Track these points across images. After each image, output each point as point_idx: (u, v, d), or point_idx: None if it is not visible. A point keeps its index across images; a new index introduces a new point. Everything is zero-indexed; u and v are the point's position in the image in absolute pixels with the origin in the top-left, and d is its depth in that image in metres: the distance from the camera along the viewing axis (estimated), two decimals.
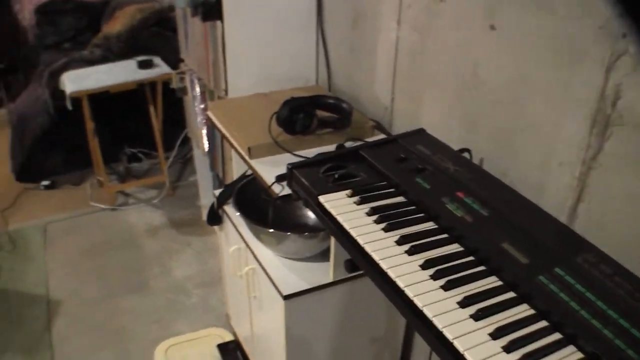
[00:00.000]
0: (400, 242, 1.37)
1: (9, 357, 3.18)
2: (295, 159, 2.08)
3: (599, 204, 1.48)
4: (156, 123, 4.51)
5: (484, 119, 1.82)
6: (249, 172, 2.36)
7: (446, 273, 1.25)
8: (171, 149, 4.80)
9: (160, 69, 4.30)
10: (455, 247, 1.36)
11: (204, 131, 3.41)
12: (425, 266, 1.28)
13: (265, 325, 2.45)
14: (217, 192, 2.60)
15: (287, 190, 1.89)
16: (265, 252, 2.26)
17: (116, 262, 3.95)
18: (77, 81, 4.16)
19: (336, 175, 1.65)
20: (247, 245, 2.33)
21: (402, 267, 1.29)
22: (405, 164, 1.67)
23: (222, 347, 3.03)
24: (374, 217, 1.47)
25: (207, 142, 3.42)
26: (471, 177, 1.56)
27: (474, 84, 1.83)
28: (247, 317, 2.66)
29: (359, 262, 1.39)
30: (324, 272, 2.10)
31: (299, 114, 2.16)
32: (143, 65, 4.31)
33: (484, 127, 1.83)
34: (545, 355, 1.05)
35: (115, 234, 4.26)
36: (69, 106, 4.07)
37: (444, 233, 1.41)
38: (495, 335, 1.09)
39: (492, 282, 1.24)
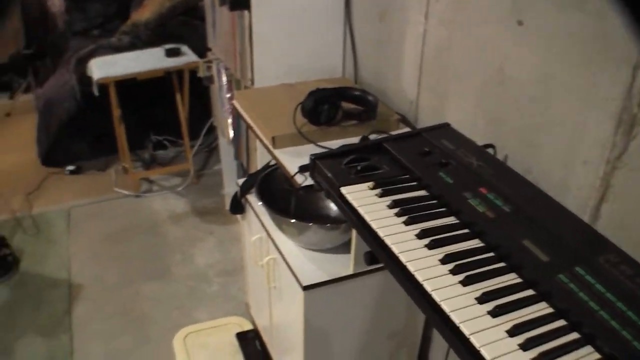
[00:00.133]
0: (420, 235, 1.37)
1: (28, 339, 3.21)
2: (319, 150, 2.08)
3: (623, 204, 1.46)
4: (182, 111, 4.53)
5: (509, 115, 1.81)
6: (273, 161, 2.35)
7: (465, 268, 1.25)
8: (197, 137, 4.82)
9: (188, 57, 4.30)
10: (475, 243, 1.36)
11: (230, 120, 3.42)
12: (444, 261, 1.28)
13: (284, 316, 2.45)
14: (241, 181, 2.60)
15: (309, 181, 1.89)
16: (286, 243, 2.26)
17: (138, 248, 3.97)
18: (104, 67, 4.18)
19: (359, 167, 1.65)
20: (269, 235, 2.34)
21: (422, 261, 1.28)
22: (428, 157, 1.67)
23: (241, 336, 3.03)
24: (395, 210, 1.47)
25: (232, 131, 3.42)
26: (494, 173, 1.55)
27: (500, 80, 1.82)
28: (267, 307, 2.67)
29: (379, 254, 1.39)
30: (345, 265, 2.09)
31: (324, 105, 2.16)
32: (171, 53, 4.32)
33: (509, 124, 1.81)
34: (562, 354, 1.04)
35: (139, 221, 4.28)
36: (96, 92, 4.09)
37: (465, 228, 1.41)
38: (513, 332, 1.08)
39: (511, 279, 1.23)
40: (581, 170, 1.56)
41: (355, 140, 2.18)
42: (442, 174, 1.58)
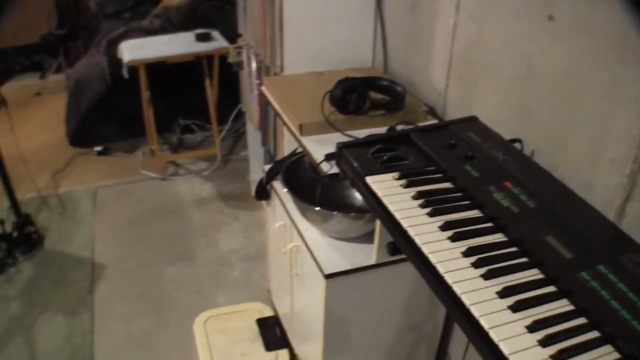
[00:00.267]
0: (444, 227, 1.37)
1: (50, 316, 3.24)
2: (346, 139, 2.07)
3: None
4: (211, 96, 4.54)
5: (537, 110, 1.80)
6: (300, 149, 2.36)
7: (488, 262, 1.24)
8: (225, 122, 4.84)
9: (218, 42, 4.31)
10: (498, 237, 1.35)
11: (258, 106, 3.42)
12: (467, 254, 1.28)
13: (305, 303, 2.46)
14: (267, 167, 2.61)
15: (335, 169, 1.89)
16: (310, 230, 2.26)
17: (163, 230, 4.00)
18: (135, 50, 4.20)
19: (385, 157, 1.65)
20: (293, 222, 2.34)
21: (444, 253, 1.28)
22: (454, 150, 1.66)
23: (261, 322, 3.04)
24: (420, 201, 1.47)
25: (260, 118, 3.43)
26: (520, 168, 1.54)
27: (529, 75, 1.81)
28: (288, 294, 2.68)
29: (401, 245, 1.39)
30: (367, 254, 2.09)
31: (353, 94, 2.16)
32: (201, 38, 4.33)
33: (536, 119, 1.80)
34: (581, 352, 1.03)
35: (164, 203, 4.31)
36: (126, 74, 4.11)
37: (488, 222, 1.40)
38: (532, 328, 1.08)
39: (533, 274, 1.23)
40: (608, 168, 1.55)
41: (382, 130, 2.17)
42: (468, 167, 1.57)
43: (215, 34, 4.41)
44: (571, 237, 1.28)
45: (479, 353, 1.09)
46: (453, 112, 2.29)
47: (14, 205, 3.68)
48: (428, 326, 2.41)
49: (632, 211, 1.50)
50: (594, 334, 1.08)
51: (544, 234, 1.30)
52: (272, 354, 2.85)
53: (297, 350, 2.77)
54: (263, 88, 2.59)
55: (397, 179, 1.57)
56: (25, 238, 3.73)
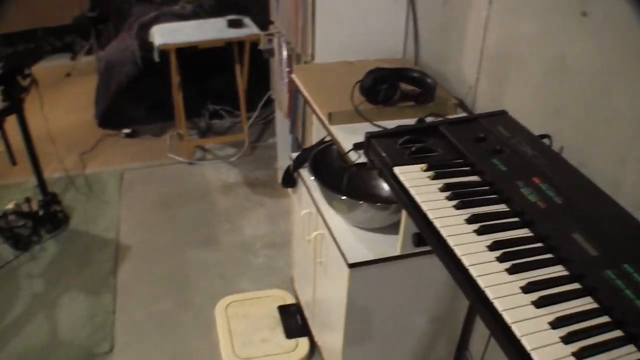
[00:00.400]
0: (470, 220, 1.37)
1: (72, 295, 3.27)
2: (374, 129, 2.08)
3: None
4: (241, 82, 4.55)
5: (567, 107, 1.79)
6: (328, 138, 2.36)
7: (513, 257, 1.24)
8: (254, 109, 4.83)
9: (250, 29, 4.31)
10: (524, 232, 1.35)
11: (287, 94, 3.42)
12: (492, 247, 1.28)
13: (327, 292, 2.46)
14: (294, 155, 2.61)
15: (363, 159, 1.89)
16: (335, 219, 2.27)
17: (188, 214, 4.01)
18: (166, 34, 4.21)
19: (413, 149, 1.65)
20: (319, 210, 2.35)
21: (469, 246, 1.28)
22: (483, 144, 1.66)
23: (283, 309, 3.06)
24: (447, 194, 1.47)
25: (289, 105, 3.43)
26: (548, 164, 1.53)
27: (561, 71, 1.80)
28: (311, 282, 2.68)
29: (427, 236, 1.39)
30: (392, 245, 2.10)
31: (383, 85, 2.16)
32: (233, 24, 4.34)
33: (567, 115, 1.80)
34: (603, 351, 1.03)
35: (190, 188, 4.33)
36: (157, 58, 4.12)
37: (515, 217, 1.40)
38: (555, 324, 1.08)
39: (558, 271, 1.22)
40: (637, 167, 1.54)
41: (411, 121, 2.17)
42: (496, 160, 1.57)
43: (246, 20, 4.41)
44: (597, 235, 1.27)
45: (501, 348, 1.09)
46: (483, 106, 2.28)
47: (41, 184, 3.70)
48: (449, 320, 2.41)
49: None
50: (617, 333, 1.07)
51: (570, 231, 1.29)
52: (293, 341, 2.86)
53: (318, 338, 2.79)
54: (293, 76, 2.59)
55: (425, 170, 1.57)
56: (51, 217, 3.76)
